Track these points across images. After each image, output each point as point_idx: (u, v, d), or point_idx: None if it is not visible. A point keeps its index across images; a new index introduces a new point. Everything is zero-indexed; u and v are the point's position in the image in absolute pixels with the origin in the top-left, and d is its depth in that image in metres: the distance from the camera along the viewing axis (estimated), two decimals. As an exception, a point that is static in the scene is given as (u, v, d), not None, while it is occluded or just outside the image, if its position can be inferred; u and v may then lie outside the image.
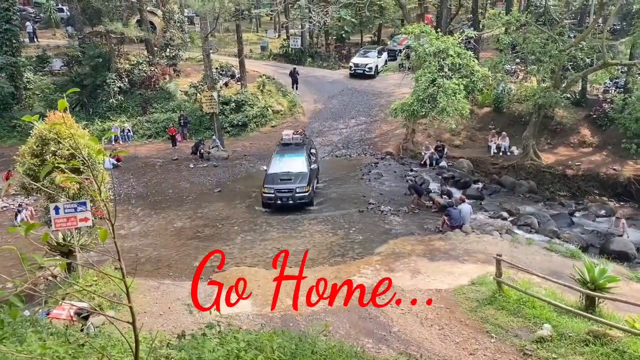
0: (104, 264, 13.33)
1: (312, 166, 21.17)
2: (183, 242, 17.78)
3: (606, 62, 22.45)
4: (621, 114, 23.83)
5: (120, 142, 28.95)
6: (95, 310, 10.04)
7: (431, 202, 20.27)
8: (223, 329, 4.49)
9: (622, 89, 27.32)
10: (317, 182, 21.86)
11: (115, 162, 25.56)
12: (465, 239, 16.47)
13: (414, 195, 20.42)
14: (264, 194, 20.00)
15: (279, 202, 19.75)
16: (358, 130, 29.47)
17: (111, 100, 31.23)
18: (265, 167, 21.21)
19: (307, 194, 19.80)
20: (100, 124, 29.82)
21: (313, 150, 22.95)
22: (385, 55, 39.93)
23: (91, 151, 11.00)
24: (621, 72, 27.22)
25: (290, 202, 19.66)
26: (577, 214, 21.83)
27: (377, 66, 37.51)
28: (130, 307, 2.75)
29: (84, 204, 12.73)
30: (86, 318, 11.04)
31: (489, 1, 43.76)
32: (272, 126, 30.82)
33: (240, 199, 21.65)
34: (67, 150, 12.39)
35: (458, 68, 22.62)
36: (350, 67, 37.71)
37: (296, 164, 20.87)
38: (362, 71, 36.89)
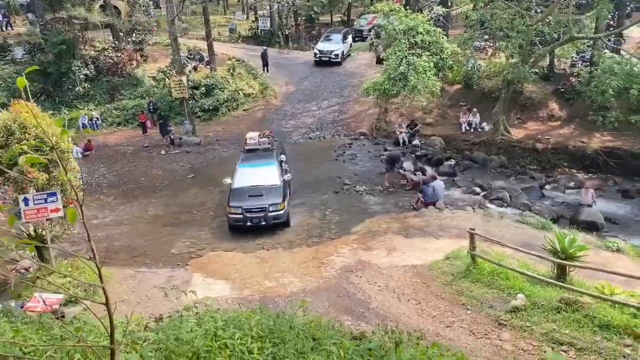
0: (79, 254, 13.11)
1: (286, 176, 18.04)
2: (158, 229, 17.61)
3: (572, 37, 22.80)
4: (587, 87, 24.26)
5: (89, 131, 28.32)
6: (74, 296, 9.90)
7: (405, 180, 20.44)
8: (201, 311, 4.50)
9: (588, 63, 27.78)
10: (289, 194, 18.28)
11: (83, 152, 25.04)
12: (439, 215, 16.70)
13: (387, 173, 20.52)
14: (230, 215, 16.58)
15: (248, 223, 16.40)
16: (331, 112, 29.41)
17: (77, 88, 30.43)
18: (229, 181, 17.55)
19: (282, 212, 16.54)
20: (67, 112, 29.09)
21: (283, 157, 19.62)
22: (350, 38, 37.76)
23: (59, 140, 10.76)
24: (587, 45, 27.64)
25: (263, 223, 16.39)
26: (547, 186, 22.30)
27: (343, 52, 35.24)
28: (103, 288, 2.72)
29: (54, 194, 12.47)
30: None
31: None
32: (245, 110, 30.50)
33: (215, 184, 21.45)
34: (34, 139, 12.08)
35: (428, 46, 22.68)
36: (315, 54, 35.34)
37: (266, 174, 17.52)
38: (327, 58, 34.69)
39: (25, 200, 12.25)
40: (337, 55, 34.55)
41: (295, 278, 13.22)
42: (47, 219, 12.69)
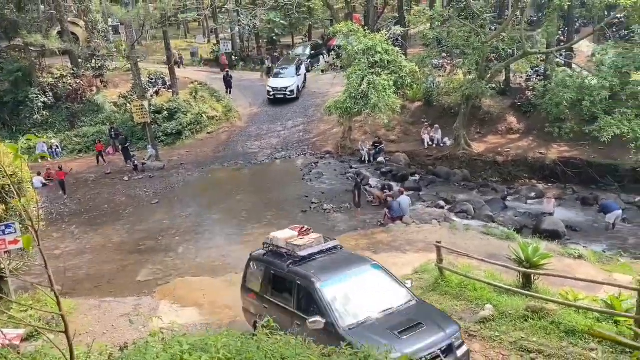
0: (38, 285, 12.70)
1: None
2: (123, 256, 17.22)
3: (526, 52, 23.65)
4: (543, 100, 25.07)
5: (49, 160, 27.64)
6: (34, 326, 9.55)
7: (372, 197, 20.61)
8: (167, 337, 4.41)
9: (542, 77, 28.78)
10: None
11: (44, 181, 24.40)
12: (406, 229, 16.86)
13: (355, 195, 20.56)
14: None
15: None
16: (296, 132, 29.54)
17: (35, 116, 29.79)
18: (318, 322, 8.48)
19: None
20: (25, 141, 28.35)
21: None
22: (303, 68, 34.71)
23: (17, 170, 10.49)
24: (540, 60, 28.66)
25: None
26: (509, 198, 22.84)
27: (298, 86, 32.68)
28: (62, 316, 2.65)
29: (11, 225, 12.08)
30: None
31: (413, -1, 44.98)
32: (208, 132, 30.36)
33: (180, 208, 21.21)
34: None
35: (387, 65, 23.12)
36: (269, 91, 32.46)
37: (380, 288, 9.54)
38: (282, 95, 32.17)
39: (-18, 232, 11.84)
40: (292, 91, 32.14)
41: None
42: (5, 252, 12.27)
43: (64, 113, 30.90)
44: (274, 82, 32.67)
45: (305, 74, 34.89)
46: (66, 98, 31.11)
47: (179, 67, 37.73)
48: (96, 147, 27.60)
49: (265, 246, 10.83)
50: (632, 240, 18.78)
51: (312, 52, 39.25)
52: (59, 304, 2.57)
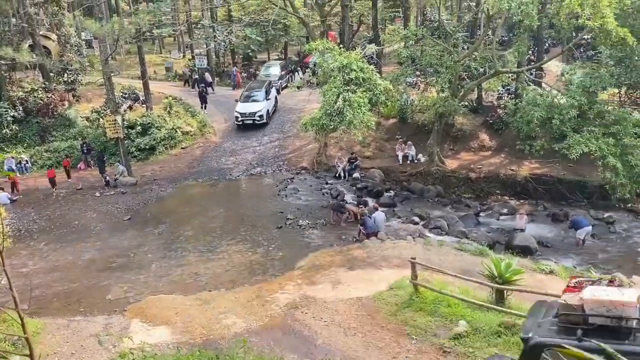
0: (5, 305, 12.31)
1: None
2: (93, 274, 16.83)
3: (497, 71, 24.19)
4: (514, 117, 25.56)
5: (18, 175, 26.99)
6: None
7: (347, 213, 20.64)
8: (138, 357, 4.29)
9: (513, 95, 29.41)
10: None
11: (11, 197, 23.81)
12: (381, 245, 16.91)
13: (336, 214, 20.52)
14: None
15: None
16: (272, 147, 29.49)
17: (4, 130, 29.13)
18: None
19: None
20: (-10, 157, 27.72)
21: None
22: (274, 91, 33.55)
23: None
24: (511, 79, 29.29)
25: None
26: (482, 214, 23.15)
27: (268, 111, 31.35)
28: (26, 339, 2.57)
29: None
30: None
31: (388, 17, 45.64)
32: (183, 148, 30.10)
33: (153, 225, 20.89)
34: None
35: (362, 82, 23.35)
36: (236, 117, 30.79)
37: None
38: (251, 121, 30.52)
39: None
40: (261, 116, 30.51)
41: (239, 318, 12.92)
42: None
43: (35, 127, 30.31)
44: (242, 107, 30.90)
45: (276, 97, 33.64)
46: (37, 112, 30.53)
47: (188, 86, 38.22)
48: (63, 162, 27.08)
49: (563, 316, 6.12)
50: (602, 255, 19.21)
51: (283, 72, 38.60)
52: (23, 326, 2.49)
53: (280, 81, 37.19)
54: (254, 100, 31.25)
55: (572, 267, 16.60)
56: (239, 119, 30.79)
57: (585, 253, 19.40)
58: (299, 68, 41.62)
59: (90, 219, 21.86)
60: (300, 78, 39.23)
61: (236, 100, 31.93)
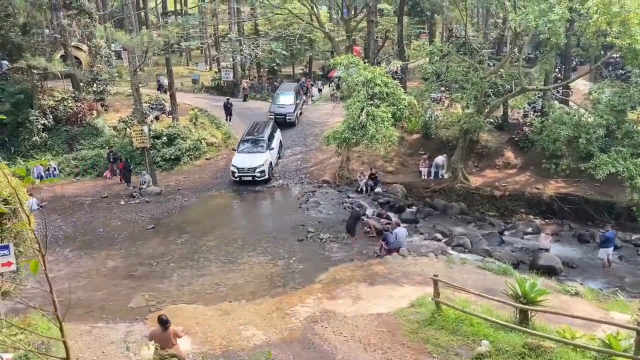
0: (31, 311, 12.54)
1: None
2: (116, 282, 17.03)
3: (524, 88, 23.98)
4: (540, 136, 25.30)
5: (49, 181, 27.53)
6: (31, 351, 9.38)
7: (368, 228, 20.57)
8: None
9: (539, 113, 29.10)
10: None
11: (40, 203, 24.29)
12: (402, 262, 16.78)
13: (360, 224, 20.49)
14: None
15: None
16: (294, 160, 29.62)
17: (34, 138, 29.80)
18: None
19: None
20: (22, 163, 28.33)
21: None
22: (278, 135, 29.45)
23: (16, 190, 10.43)
24: (538, 96, 29.03)
25: None
26: (506, 232, 22.83)
27: (271, 163, 26.91)
28: (64, 342, 2.61)
29: (6, 247, 11.97)
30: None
31: (413, 33, 45.72)
32: (207, 159, 30.42)
33: (176, 234, 21.08)
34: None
35: (386, 97, 23.38)
36: (233, 172, 26.22)
37: None
38: (250, 177, 25.90)
39: (-25, 254, 11.71)
40: (263, 171, 25.95)
41: (259, 330, 12.91)
42: (-2, 274, 12.12)
43: (63, 135, 30.96)
44: (240, 161, 26.22)
45: (280, 142, 29.33)
46: (66, 121, 31.22)
47: (244, 100, 38.94)
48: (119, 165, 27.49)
49: None
50: (629, 278, 18.75)
51: (297, 100, 34.73)
52: (61, 329, 2.54)
53: (295, 112, 33.86)
54: (254, 152, 26.62)
55: (598, 290, 16.24)
56: (236, 175, 26.01)
57: (611, 275, 18.98)
58: (318, 82, 41.76)
59: (114, 227, 22.16)
60: (319, 90, 39.25)
61: (233, 149, 28.50)
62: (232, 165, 26.33)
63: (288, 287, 15.83)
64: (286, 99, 34.11)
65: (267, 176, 26.19)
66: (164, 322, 10.26)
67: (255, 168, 25.84)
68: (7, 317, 12.63)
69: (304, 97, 37.64)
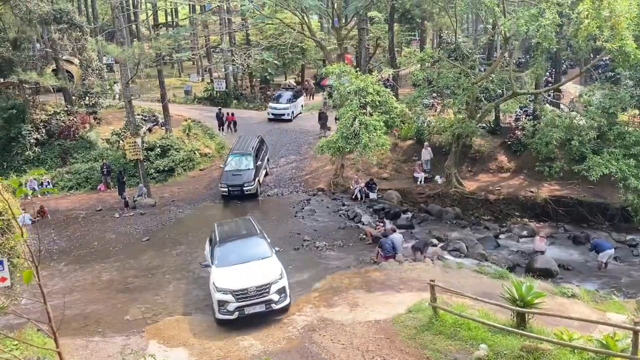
0: (25, 327, 12.45)
1: None
2: (112, 295, 16.92)
3: (515, 92, 24.12)
4: (532, 139, 25.43)
5: (39, 196, 27.41)
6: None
7: (364, 234, 20.56)
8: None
9: (531, 116, 29.27)
10: None
11: (32, 219, 24.13)
12: (399, 268, 16.77)
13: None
14: None
15: None
16: (289, 169, 29.63)
17: (27, 152, 29.72)
18: None
19: None
20: (15, 178, 28.21)
21: None
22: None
23: (8, 204, 10.39)
24: (529, 100, 29.20)
25: None
26: (501, 236, 22.89)
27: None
28: (59, 353, 2.60)
29: (0, 262, 11.90)
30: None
31: (404, 40, 45.98)
32: (201, 169, 30.39)
33: (171, 246, 21.00)
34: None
35: (378, 105, 23.45)
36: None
37: None
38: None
39: (-31, 270, 11.64)
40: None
41: (256, 340, 12.86)
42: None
43: (56, 149, 30.88)
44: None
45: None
46: (59, 135, 31.15)
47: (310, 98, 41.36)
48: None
49: None
50: (625, 279, 18.81)
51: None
52: (56, 340, 2.52)
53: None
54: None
55: (594, 291, 16.26)
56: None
57: (607, 276, 19.03)
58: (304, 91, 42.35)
59: (109, 240, 22.06)
60: (303, 106, 40.04)
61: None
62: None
63: (285, 296, 15.76)
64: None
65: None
66: None
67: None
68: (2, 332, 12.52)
69: (304, 97, 40.25)
